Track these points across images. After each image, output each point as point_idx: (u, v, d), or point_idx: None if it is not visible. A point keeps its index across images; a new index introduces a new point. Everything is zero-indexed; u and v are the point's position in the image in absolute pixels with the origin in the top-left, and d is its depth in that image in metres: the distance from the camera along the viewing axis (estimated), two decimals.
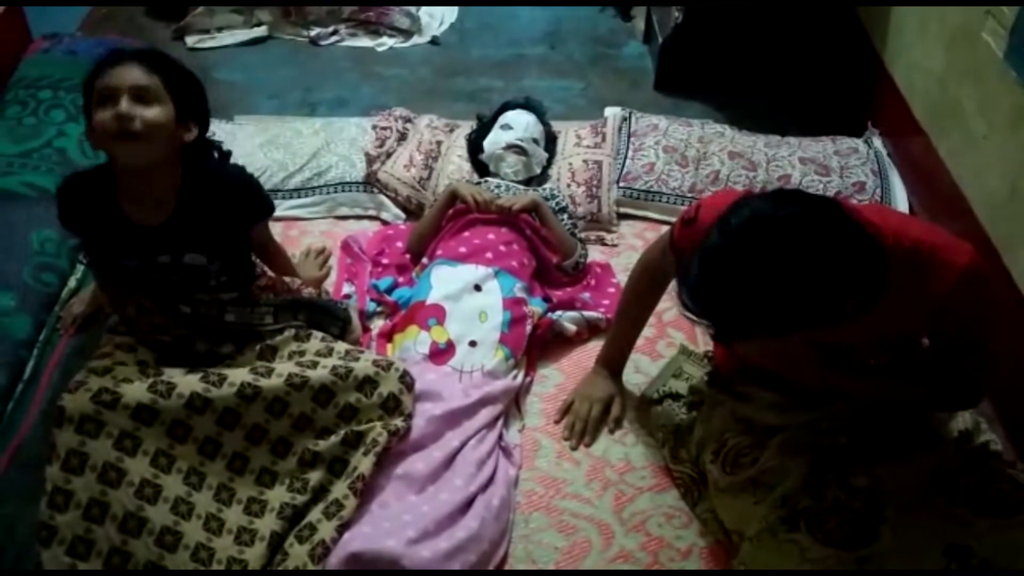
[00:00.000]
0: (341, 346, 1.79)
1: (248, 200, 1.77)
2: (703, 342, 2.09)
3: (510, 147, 2.40)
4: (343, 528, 1.56)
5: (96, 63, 1.58)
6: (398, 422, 1.69)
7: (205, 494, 1.58)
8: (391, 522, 1.57)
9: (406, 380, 1.74)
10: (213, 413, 1.60)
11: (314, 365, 1.69)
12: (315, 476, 1.64)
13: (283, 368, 1.67)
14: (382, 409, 1.69)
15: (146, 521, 1.50)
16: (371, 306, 2.14)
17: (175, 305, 1.70)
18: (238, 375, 1.64)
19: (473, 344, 1.94)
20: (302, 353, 1.75)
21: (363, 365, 1.71)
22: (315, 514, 1.59)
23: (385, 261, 2.28)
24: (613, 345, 1.94)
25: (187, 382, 1.59)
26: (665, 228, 2.43)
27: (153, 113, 1.54)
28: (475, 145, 2.53)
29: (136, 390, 1.55)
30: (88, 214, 1.65)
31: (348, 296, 2.16)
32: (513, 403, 1.94)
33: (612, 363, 1.95)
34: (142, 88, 1.54)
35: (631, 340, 1.93)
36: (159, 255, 1.66)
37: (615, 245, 2.44)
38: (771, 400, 1.66)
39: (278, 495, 1.62)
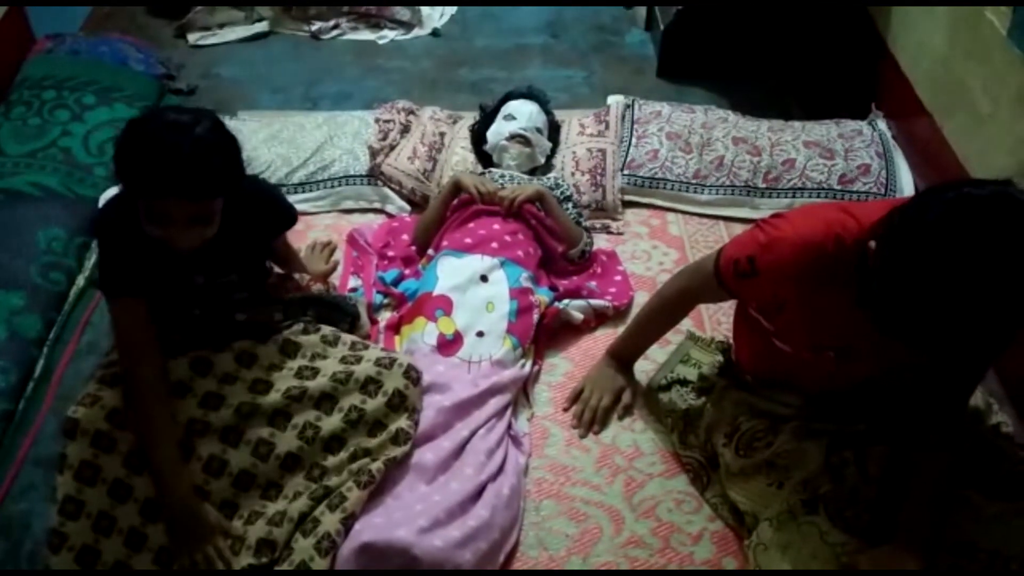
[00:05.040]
0: (347, 338, 1.79)
1: (275, 212, 1.77)
2: (710, 328, 2.09)
3: (513, 137, 2.40)
4: (347, 520, 1.55)
5: (137, 155, 1.41)
6: (403, 422, 1.68)
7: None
8: (402, 512, 1.58)
9: (411, 375, 1.73)
10: (214, 433, 1.60)
11: (313, 374, 1.69)
12: (321, 489, 1.62)
13: (281, 384, 1.66)
14: (388, 407, 1.68)
15: (147, 538, 1.53)
16: (378, 298, 2.15)
17: (187, 310, 1.69)
18: (236, 396, 1.63)
19: (480, 334, 1.95)
20: (304, 353, 1.74)
21: (363, 367, 1.70)
22: (318, 508, 1.58)
23: (391, 253, 2.28)
24: (630, 342, 1.92)
25: (186, 407, 1.60)
26: (670, 215, 2.48)
27: (208, 231, 1.50)
28: (479, 136, 2.53)
29: None
30: (139, 257, 1.55)
31: (355, 289, 2.17)
32: (522, 392, 1.94)
33: (625, 357, 1.94)
34: (197, 216, 1.48)
35: (649, 343, 1.93)
36: (195, 275, 1.65)
37: (620, 233, 2.43)
38: (793, 402, 1.66)
39: (280, 508, 1.60)
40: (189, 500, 1.53)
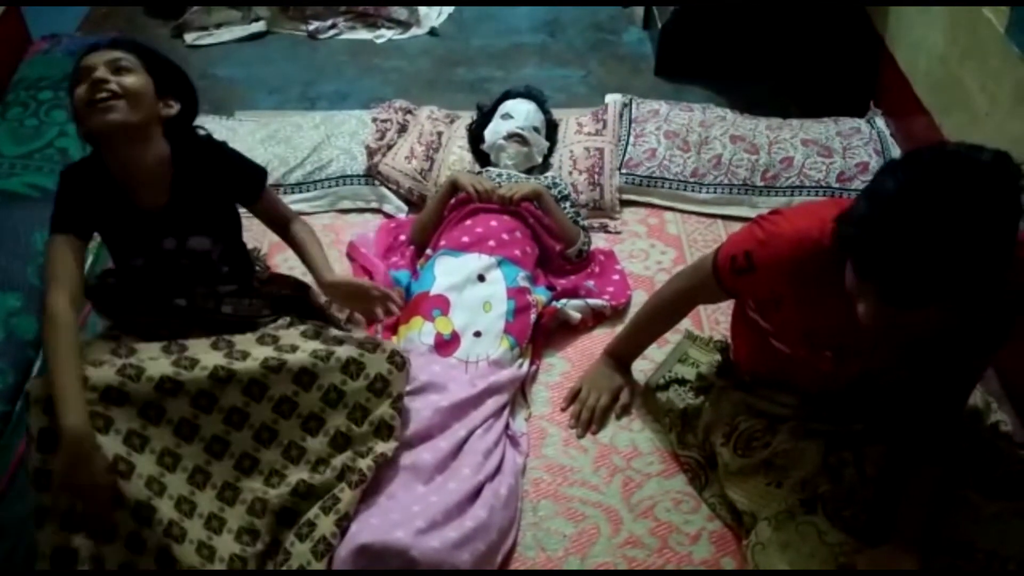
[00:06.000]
0: (331, 331, 1.74)
1: (238, 169, 1.74)
2: (709, 327, 2.09)
3: (511, 136, 2.40)
4: (342, 521, 1.54)
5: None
6: (386, 409, 1.64)
7: (179, 476, 1.53)
8: (399, 513, 1.57)
9: (395, 360, 1.67)
10: (186, 395, 1.54)
11: (293, 349, 1.63)
12: (303, 485, 1.59)
13: (259, 352, 1.61)
14: (369, 391, 1.64)
15: (123, 497, 1.46)
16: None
17: (171, 299, 1.67)
18: (211, 359, 1.58)
19: (478, 334, 1.94)
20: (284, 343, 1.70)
21: (346, 348, 1.65)
22: (313, 511, 1.57)
23: (395, 258, 2.27)
24: (628, 342, 1.92)
25: (158, 366, 1.54)
26: (668, 214, 2.48)
27: (129, 80, 1.55)
28: (476, 135, 2.53)
29: (104, 372, 1.50)
30: (93, 203, 1.58)
31: None
32: (519, 392, 1.94)
33: (623, 356, 1.94)
34: (117, 60, 1.56)
35: (646, 344, 1.93)
36: (164, 239, 1.63)
37: (618, 232, 2.43)
38: (790, 402, 1.66)
39: (258, 490, 1.57)
40: (82, 434, 1.43)
